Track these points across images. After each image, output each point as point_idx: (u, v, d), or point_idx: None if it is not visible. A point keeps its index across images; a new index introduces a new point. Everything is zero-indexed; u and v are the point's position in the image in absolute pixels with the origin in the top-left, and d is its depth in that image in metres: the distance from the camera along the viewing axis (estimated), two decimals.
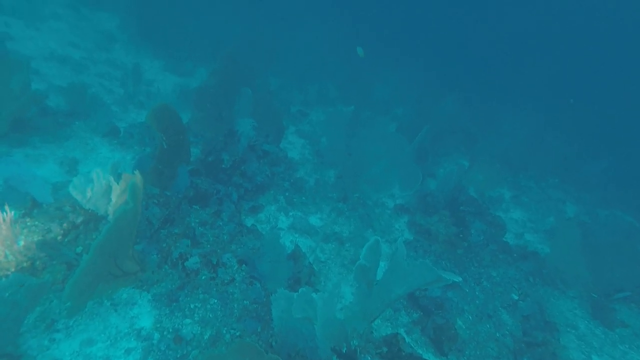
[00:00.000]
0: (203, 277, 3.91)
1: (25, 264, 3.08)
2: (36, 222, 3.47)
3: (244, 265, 4.30)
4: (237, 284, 3.99)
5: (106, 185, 3.91)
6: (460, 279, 2.95)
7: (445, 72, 16.21)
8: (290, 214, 6.59)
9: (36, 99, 5.24)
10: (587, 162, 10.37)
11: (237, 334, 3.54)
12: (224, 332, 3.57)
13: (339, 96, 12.67)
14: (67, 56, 8.62)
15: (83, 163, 5.45)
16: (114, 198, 3.72)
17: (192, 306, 3.70)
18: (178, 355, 3.25)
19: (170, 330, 3.45)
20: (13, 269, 3.01)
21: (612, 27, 27.04)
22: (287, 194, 7.05)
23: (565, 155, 10.41)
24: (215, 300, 3.79)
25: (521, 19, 29.46)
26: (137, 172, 4.21)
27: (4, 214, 2.95)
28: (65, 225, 3.52)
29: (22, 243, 3.07)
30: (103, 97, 7.55)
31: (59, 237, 3.42)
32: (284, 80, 12.24)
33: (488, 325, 4.85)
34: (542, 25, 28.83)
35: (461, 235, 5.62)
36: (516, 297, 5.35)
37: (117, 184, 3.74)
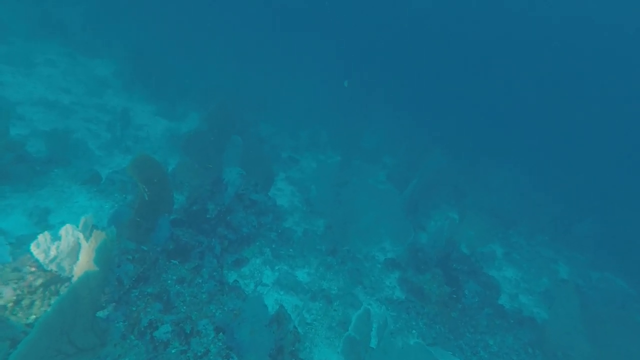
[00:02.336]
0: (173, 351, 3.48)
1: None
2: None
3: (221, 333, 3.88)
4: (211, 358, 3.55)
5: (74, 242, 3.59)
6: None
7: (434, 125, 16.80)
8: (276, 267, 6.23)
9: (12, 146, 5.03)
10: (575, 220, 10.47)
11: None
12: None
13: (330, 142, 12.82)
14: (56, 101, 8.58)
15: (55, 213, 5.11)
16: (80, 258, 3.39)
17: None
18: None
19: None
20: None
21: (599, 90, 29.05)
22: (273, 245, 6.73)
23: (553, 213, 10.51)
24: None
25: (510, 79, 31.53)
26: (111, 228, 3.92)
27: None
28: (19, 289, 3.14)
29: None
30: (88, 142, 7.38)
31: (10, 305, 3.03)
32: (276, 126, 12.39)
33: None
34: (529, 86, 30.80)
35: (455, 296, 5.33)
36: None
37: (87, 240, 3.43)
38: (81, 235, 3.47)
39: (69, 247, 3.54)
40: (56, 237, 3.50)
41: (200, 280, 4.97)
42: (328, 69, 20.90)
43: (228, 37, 20.13)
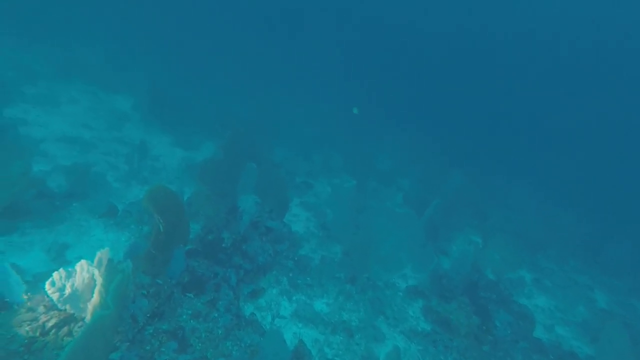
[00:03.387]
0: None
1: None
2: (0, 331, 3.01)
3: None
4: None
5: (89, 279, 3.52)
6: None
7: (450, 145, 16.59)
8: (294, 298, 5.99)
9: (34, 183, 5.14)
10: (606, 241, 9.81)
11: None
12: None
13: (344, 166, 12.75)
14: (78, 137, 8.88)
15: (73, 248, 5.11)
16: (95, 295, 3.30)
17: None
18: None
19: None
20: None
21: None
22: (290, 274, 6.52)
23: (582, 234, 9.92)
24: None
25: (529, 94, 31.20)
26: (127, 263, 3.84)
27: None
28: (32, 331, 3.06)
29: None
30: (107, 174, 7.53)
31: (21, 349, 2.93)
32: (289, 150, 12.45)
33: None
34: (550, 101, 30.35)
35: (485, 328, 4.95)
36: None
37: (103, 276, 3.36)
38: (96, 272, 3.40)
39: (84, 284, 3.47)
40: (71, 274, 3.44)
41: (216, 315, 4.81)
42: (340, 93, 21.23)
43: (240, 66, 20.85)
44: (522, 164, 17.49)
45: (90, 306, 3.11)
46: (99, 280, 3.31)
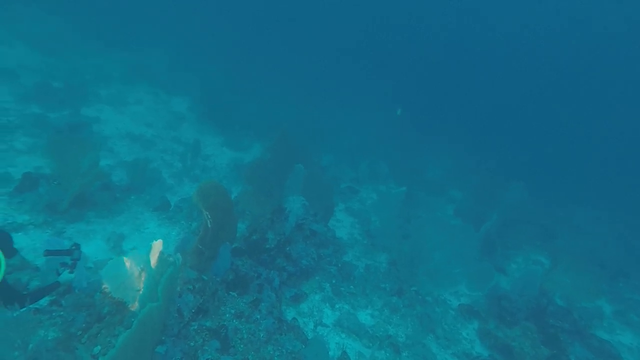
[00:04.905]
0: None
1: None
2: (62, 313, 3.14)
3: None
4: None
5: (141, 270, 3.59)
6: None
7: (507, 158, 15.36)
8: (337, 306, 5.75)
9: (100, 176, 5.49)
10: None
11: None
12: None
13: (391, 174, 12.32)
14: (140, 134, 9.50)
15: (129, 239, 5.36)
16: (146, 286, 3.34)
17: None
18: None
19: None
20: None
21: None
22: (333, 281, 6.29)
23: None
24: None
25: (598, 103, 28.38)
26: (177, 257, 3.88)
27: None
28: (89, 316, 3.15)
29: (31, 346, 2.70)
30: (162, 170, 7.90)
31: (79, 333, 3.02)
32: (335, 157, 12.30)
33: None
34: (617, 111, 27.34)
35: None
36: None
37: (155, 268, 3.40)
38: (149, 263, 3.46)
39: (135, 275, 3.54)
40: (125, 264, 3.53)
41: (258, 316, 4.72)
42: (387, 101, 20.78)
43: (289, 72, 21.26)
44: (592, 179, 15.65)
45: (141, 296, 3.15)
46: (151, 271, 3.35)
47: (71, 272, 2.99)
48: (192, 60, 16.93)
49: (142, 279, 3.59)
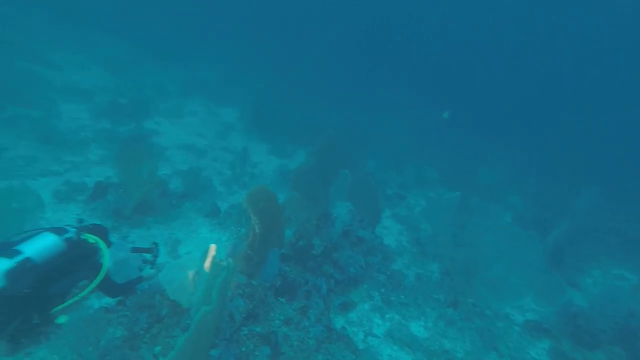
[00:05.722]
0: None
1: None
2: (126, 312, 3.33)
3: None
4: None
5: (195, 273, 3.71)
6: None
7: (575, 160, 13.91)
8: (387, 316, 5.51)
9: (159, 184, 5.85)
10: None
11: None
12: None
13: (439, 179, 11.75)
14: (193, 144, 10.07)
15: (184, 244, 5.62)
16: (200, 290, 3.44)
17: None
18: None
19: None
20: None
21: None
22: (382, 289, 6.06)
23: None
24: None
25: None
26: (229, 261, 3.96)
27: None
28: (150, 317, 3.30)
29: (102, 342, 2.88)
30: (213, 178, 8.26)
31: (142, 332, 3.17)
32: (380, 162, 12.03)
33: None
34: None
35: None
36: None
37: (207, 271, 3.50)
38: (204, 266, 3.56)
39: (190, 278, 3.66)
40: (181, 267, 3.67)
41: (307, 324, 4.65)
42: (434, 103, 20.00)
43: (331, 78, 21.38)
44: None
45: (196, 299, 3.24)
46: (206, 274, 3.45)
47: (152, 268, 3.21)
48: (242, 73, 17.78)
49: (195, 282, 3.71)
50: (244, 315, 4.17)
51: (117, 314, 3.35)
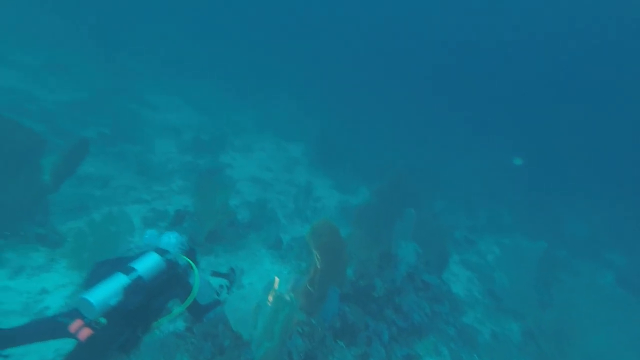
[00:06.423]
0: None
1: None
2: (193, 340, 3.44)
3: None
4: None
5: (256, 306, 3.73)
6: None
7: None
8: None
9: (229, 214, 6.22)
10: None
11: None
12: None
13: (515, 225, 10.61)
14: (261, 178, 10.66)
15: (247, 274, 5.77)
16: (262, 323, 3.43)
17: None
18: None
19: None
20: None
21: None
22: (452, 345, 5.44)
23: None
24: None
25: None
26: (291, 296, 3.93)
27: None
28: (214, 347, 3.35)
29: None
30: (277, 211, 8.54)
31: None
32: (449, 202, 11.35)
33: None
34: None
35: None
36: None
37: (269, 305, 3.49)
38: (267, 299, 3.57)
39: (251, 309, 3.68)
40: (244, 298, 3.73)
41: None
42: (510, 142, 18.67)
43: (399, 118, 21.37)
44: None
45: (257, 332, 3.22)
46: (268, 308, 3.44)
47: (228, 293, 3.32)
48: (311, 109, 18.81)
49: (257, 314, 3.71)
50: (302, 356, 4.02)
51: (185, 340, 3.48)
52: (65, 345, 2.30)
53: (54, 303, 4.15)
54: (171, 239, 2.96)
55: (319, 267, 5.24)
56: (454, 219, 10.61)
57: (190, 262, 2.94)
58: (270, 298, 3.38)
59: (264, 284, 3.89)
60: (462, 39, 32.76)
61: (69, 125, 8.99)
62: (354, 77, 30.77)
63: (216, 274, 3.33)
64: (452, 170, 13.70)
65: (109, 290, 2.27)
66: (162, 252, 2.74)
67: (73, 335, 2.21)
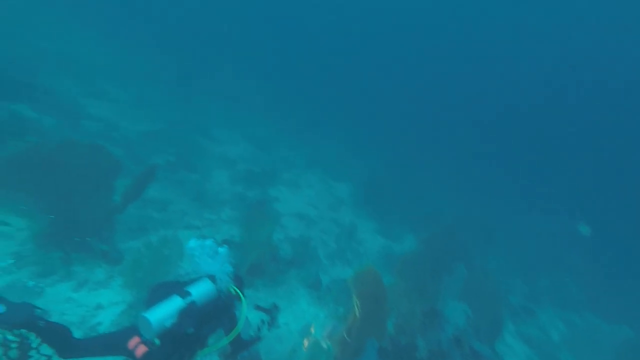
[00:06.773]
0: None
1: None
2: None
3: None
4: None
5: (291, 350, 3.59)
6: None
7: None
8: None
9: (272, 248, 6.27)
10: None
11: None
12: None
13: (585, 300, 9.32)
14: (306, 214, 10.74)
15: (283, 312, 5.63)
16: None
17: None
18: None
19: None
20: None
21: None
22: None
23: None
24: None
25: None
26: (328, 345, 3.74)
27: None
28: None
29: None
30: (318, 249, 8.43)
31: None
32: (504, 263, 10.39)
33: None
34: None
35: None
36: None
37: (305, 351, 3.34)
38: (303, 344, 3.43)
39: (289, 354, 3.55)
40: (280, 340, 3.62)
41: None
42: (578, 201, 17.00)
43: (453, 165, 20.71)
44: None
45: None
46: (304, 354, 3.29)
47: (269, 330, 3.24)
48: (361, 150, 19.03)
49: (292, 357, 3.56)
50: None
51: None
52: None
53: (106, 319, 4.38)
54: (223, 265, 2.97)
55: (357, 315, 4.98)
56: (509, 281, 9.63)
57: (240, 293, 2.94)
58: (306, 343, 3.23)
59: (300, 326, 3.76)
60: (542, 90, 31.29)
61: (142, 151, 10.02)
62: (407, 121, 30.91)
63: (259, 308, 3.26)
64: (509, 227, 12.67)
65: (166, 312, 2.34)
66: (214, 279, 2.79)
67: (130, 353, 2.27)
